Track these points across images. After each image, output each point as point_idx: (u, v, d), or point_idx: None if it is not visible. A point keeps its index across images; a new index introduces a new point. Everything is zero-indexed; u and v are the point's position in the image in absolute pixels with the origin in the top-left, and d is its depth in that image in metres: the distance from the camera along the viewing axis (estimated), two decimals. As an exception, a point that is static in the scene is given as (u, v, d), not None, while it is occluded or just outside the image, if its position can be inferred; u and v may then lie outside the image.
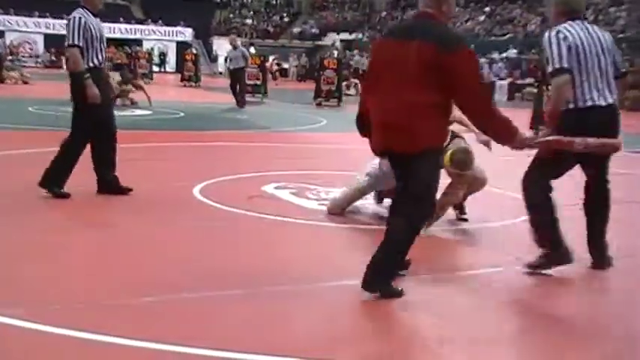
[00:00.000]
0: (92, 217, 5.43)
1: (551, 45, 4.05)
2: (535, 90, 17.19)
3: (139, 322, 3.24)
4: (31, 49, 39.04)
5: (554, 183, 4.25)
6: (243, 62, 17.68)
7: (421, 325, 3.39)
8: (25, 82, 22.08)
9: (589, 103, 4.05)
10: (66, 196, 5.75)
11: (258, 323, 3.30)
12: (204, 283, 3.86)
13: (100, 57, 5.78)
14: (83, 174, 5.81)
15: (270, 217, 5.48)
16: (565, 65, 4.00)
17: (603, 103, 4.07)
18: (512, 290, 4.11)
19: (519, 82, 27.49)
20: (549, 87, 4.66)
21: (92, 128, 5.83)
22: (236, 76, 17.72)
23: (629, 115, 18.72)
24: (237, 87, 17.53)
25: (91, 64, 5.73)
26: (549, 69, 4.06)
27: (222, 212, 5.64)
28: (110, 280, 3.86)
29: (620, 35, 26.65)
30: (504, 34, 32.89)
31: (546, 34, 4.14)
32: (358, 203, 6.01)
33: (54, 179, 5.76)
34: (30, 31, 39.40)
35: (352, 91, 26.64)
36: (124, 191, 5.92)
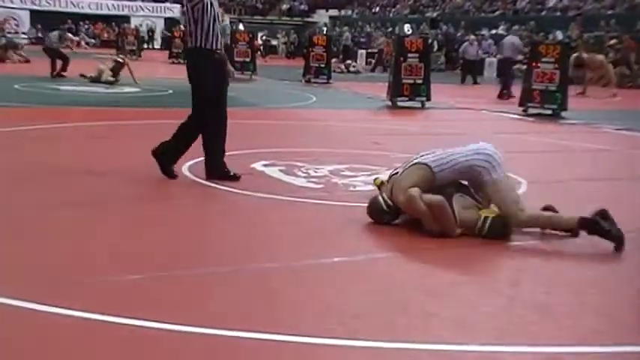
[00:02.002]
0: (74, 194, 5.41)
1: None
2: (524, 67, 17.17)
3: (125, 300, 3.24)
4: (16, 25, 38.57)
5: None
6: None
7: (407, 300, 3.43)
8: (27, 61, 21.55)
9: None
10: (174, 176, 5.85)
11: (244, 301, 3.32)
12: (192, 261, 3.88)
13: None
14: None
15: (259, 194, 5.50)
16: None
17: None
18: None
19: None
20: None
21: (210, 109, 5.96)
22: None
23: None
24: None
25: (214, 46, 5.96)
26: None
27: (211, 190, 5.65)
28: (96, 257, 3.85)
29: (610, 12, 26.66)
30: (494, 11, 32.82)
31: None
32: (347, 181, 6.05)
33: (168, 156, 5.85)
34: (15, 7, 38.91)
35: (353, 68, 26.71)
36: (235, 178, 5.89)
